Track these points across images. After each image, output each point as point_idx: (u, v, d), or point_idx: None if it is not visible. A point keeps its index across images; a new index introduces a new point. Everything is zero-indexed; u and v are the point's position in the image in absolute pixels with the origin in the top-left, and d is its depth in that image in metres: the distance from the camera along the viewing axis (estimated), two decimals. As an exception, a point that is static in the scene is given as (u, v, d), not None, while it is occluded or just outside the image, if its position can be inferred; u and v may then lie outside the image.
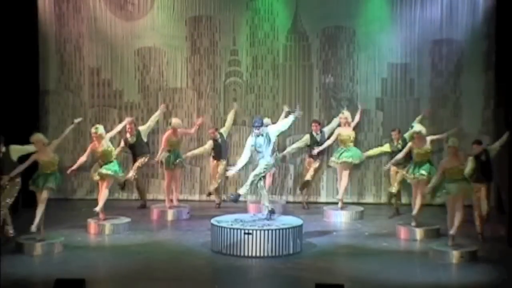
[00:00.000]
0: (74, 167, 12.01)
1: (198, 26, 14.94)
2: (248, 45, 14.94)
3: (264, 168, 11.06)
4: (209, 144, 13.88)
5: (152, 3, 14.92)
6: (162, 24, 14.95)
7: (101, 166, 11.96)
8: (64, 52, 14.96)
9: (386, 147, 13.26)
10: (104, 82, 15.03)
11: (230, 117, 14.21)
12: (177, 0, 14.91)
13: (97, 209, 11.87)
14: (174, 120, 13.40)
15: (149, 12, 14.93)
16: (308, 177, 13.73)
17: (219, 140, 13.84)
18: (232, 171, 11.29)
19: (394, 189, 13.15)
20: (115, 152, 12.21)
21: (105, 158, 11.93)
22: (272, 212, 11.18)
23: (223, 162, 13.83)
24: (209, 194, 14.09)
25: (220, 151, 13.85)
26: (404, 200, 13.89)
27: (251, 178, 11.01)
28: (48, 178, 10.72)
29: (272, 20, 14.85)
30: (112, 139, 12.60)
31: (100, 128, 11.95)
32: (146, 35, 14.97)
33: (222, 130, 14.00)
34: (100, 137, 11.89)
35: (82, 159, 12.05)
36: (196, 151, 14.00)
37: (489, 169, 11.34)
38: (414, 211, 11.64)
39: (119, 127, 13.09)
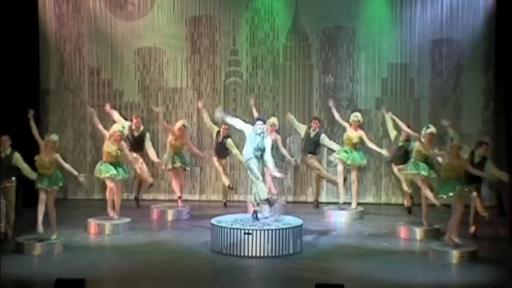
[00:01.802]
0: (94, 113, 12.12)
1: (198, 26, 14.94)
2: (248, 45, 14.95)
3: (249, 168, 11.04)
4: (214, 127, 13.77)
5: (152, 3, 14.92)
6: (162, 24, 14.95)
7: (109, 165, 11.91)
8: (64, 52, 14.95)
9: (392, 133, 13.17)
10: (104, 82, 15.03)
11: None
12: (177, 0, 14.91)
13: (112, 214, 12.02)
14: (183, 121, 13.31)
15: (149, 12, 14.93)
16: (328, 175, 13.86)
17: (221, 139, 13.81)
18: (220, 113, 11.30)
19: (407, 188, 13.22)
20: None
21: (117, 160, 11.94)
22: (255, 214, 11.11)
23: (223, 161, 13.92)
24: (230, 187, 14.03)
25: (221, 150, 13.85)
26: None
27: (259, 185, 10.99)
28: (43, 179, 10.72)
29: (272, 20, 14.86)
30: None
31: (126, 129, 12.04)
32: (146, 35, 14.97)
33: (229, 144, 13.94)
34: (122, 137, 11.95)
35: (99, 125, 12.05)
36: (209, 121, 13.79)
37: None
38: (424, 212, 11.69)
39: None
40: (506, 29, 12.88)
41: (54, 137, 10.97)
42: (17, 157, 11.05)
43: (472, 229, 11.40)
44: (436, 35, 14.47)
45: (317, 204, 14.09)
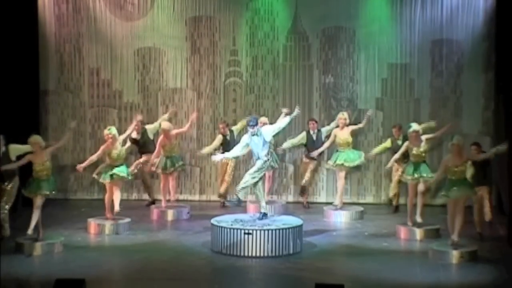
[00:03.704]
0: (84, 165, 11.81)
1: (198, 26, 14.93)
2: (248, 45, 14.94)
3: (259, 169, 11.05)
4: (218, 139, 13.80)
5: (152, 3, 14.92)
6: (162, 24, 14.94)
7: (111, 168, 11.88)
8: (63, 53, 14.95)
9: (388, 143, 13.32)
10: (103, 82, 15.02)
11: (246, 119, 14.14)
12: (177, 0, 14.90)
13: (117, 209, 11.94)
14: (163, 124, 13.27)
15: (149, 12, 14.93)
16: (304, 181, 13.78)
17: (228, 137, 13.79)
18: (217, 157, 11.50)
19: (391, 193, 13.51)
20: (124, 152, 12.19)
21: (118, 161, 11.92)
22: (264, 215, 11.14)
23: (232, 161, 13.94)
24: (220, 195, 14.08)
25: (228, 149, 13.81)
26: (403, 200, 13.94)
27: (245, 178, 11.06)
28: (41, 184, 10.67)
29: (272, 20, 14.85)
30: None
31: (113, 129, 11.93)
32: (146, 35, 14.96)
33: (233, 128, 13.97)
34: (114, 138, 11.84)
35: (93, 158, 11.86)
36: (209, 148, 13.80)
37: (489, 171, 11.32)
38: (418, 214, 11.65)
39: (130, 129, 12.83)
40: (506, 29, 12.88)
41: (36, 138, 10.83)
42: (13, 148, 11.04)
43: (479, 228, 11.40)
44: (436, 35, 14.47)
45: (308, 205, 14.13)
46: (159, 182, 14.65)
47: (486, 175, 11.32)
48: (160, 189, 13.59)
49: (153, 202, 14.07)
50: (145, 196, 14.61)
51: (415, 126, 11.78)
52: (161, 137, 13.22)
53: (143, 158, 13.61)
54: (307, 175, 13.77)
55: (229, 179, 13.91)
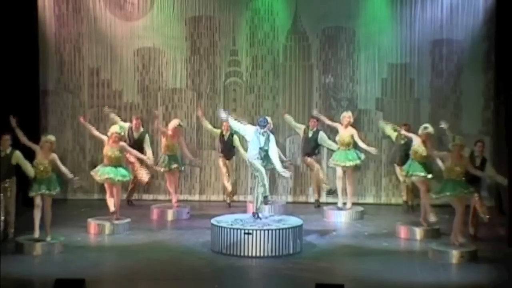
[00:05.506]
0: (87, 125, 12.17)
1: (198, 26, 14.93)
2: (248, 45, 14.94)
3: (263, 174, 11.05)
4: (217, 130, 13.85)
5: (152, 3, 14.91)
6: (162, 24, 14.94)
7: (107, 168, 11.88)
8: (63, 52, 14.94)
9: (393, 135, 13.25)
10: (103, 82, 15.01)
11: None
12: (177, 0, 14.90)
13: (113, 209, 11.96)
14: (173, 122, 13.28)
15: (148, 12, 14.92)
16: (326, 186, 13.72)
17: (226, 138, 13.78)
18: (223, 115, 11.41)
19: (404, 196, 13.65)
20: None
21: (118, 162, 11.91)
22: (256, 214, 11.12)
23: (228, 162, 13.94)
24: (229, 194, 14.05)
25: (228, 149, 13.81)
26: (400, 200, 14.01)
27: (260, 189, 11.05)
28: (41, 183, 10.65)
29: (272, 20, 14.85)
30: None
31: (123, 132, 11.99)
32: (145, 35, 14.96)
33: (235, 136, 13.87)
34: (119, 139, 11.89)
35: (95, 132, 12.09)
36: (209, 125, 13.92)
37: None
38: (429, 214, 11.67)
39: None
40: (506, 29, 12.86)
41: (51, 137, 10.90)
42: (18, 155, 11.03)
43: (472, 230, 11.40)
44: (436, 35, 14.47)
45: (318, 204, 14.06)
46: (158, 182, 14.72)
47: (479, 179, 11.27)
48: (167, 187, 13.55)
49: (129, 201, 14.14)
50: (145, 196, 14.65)
51: (430, 129, 11.66)
52: (171, 130, 13.09)
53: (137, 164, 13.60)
54: (322, 176, 13.71)
55: (232, 176, 13.93)
